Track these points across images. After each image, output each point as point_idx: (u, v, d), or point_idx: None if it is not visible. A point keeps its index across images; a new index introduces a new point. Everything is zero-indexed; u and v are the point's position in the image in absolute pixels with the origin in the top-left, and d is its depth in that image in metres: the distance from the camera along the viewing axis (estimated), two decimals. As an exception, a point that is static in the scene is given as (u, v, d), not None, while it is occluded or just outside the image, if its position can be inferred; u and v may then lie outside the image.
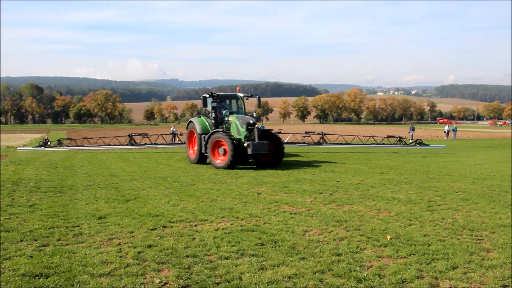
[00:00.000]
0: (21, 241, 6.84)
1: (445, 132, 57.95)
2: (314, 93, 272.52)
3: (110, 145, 32.03)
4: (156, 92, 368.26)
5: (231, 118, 18.83)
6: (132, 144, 29.70)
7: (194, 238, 6.98)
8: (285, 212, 9.01)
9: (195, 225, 7.87)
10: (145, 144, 30.32)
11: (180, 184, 13.12)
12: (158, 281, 5.18)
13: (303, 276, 5.30)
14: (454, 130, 58.14)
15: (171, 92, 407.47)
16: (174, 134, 42.35)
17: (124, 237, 7.09)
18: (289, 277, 5.27)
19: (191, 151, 20.53)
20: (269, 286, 4.99)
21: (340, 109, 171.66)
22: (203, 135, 19.04)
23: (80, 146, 31.48)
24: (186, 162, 20.61)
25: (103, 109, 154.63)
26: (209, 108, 19.72)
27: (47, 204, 9.88)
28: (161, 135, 34.20)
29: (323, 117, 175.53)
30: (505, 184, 13.11)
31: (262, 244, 6.62)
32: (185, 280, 5.20)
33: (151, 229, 7.56)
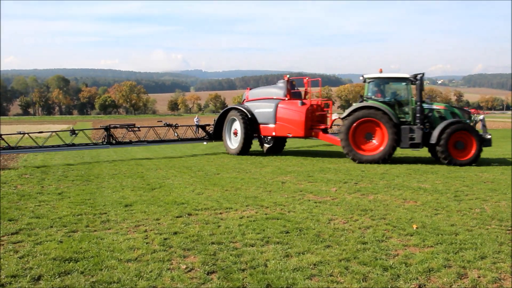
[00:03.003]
0: (51, 227, 7.00)
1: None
2: (338, 83, 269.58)
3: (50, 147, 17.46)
4: (180, 83, 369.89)
5: (440, 106, 16.10)
6: (110, 143, 18.41)
7: (219, 226, 7.03)
8: (309, 200, 8.99)
9: (220, 213, 7.93)
10: (132, 142, 19.29)
11: (205, 173, 13.21)
12: (184, 266, 5.23)
13: (328, 264, 5.29)
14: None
15: (195, 83, 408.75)
16: (198, 126, 42.42)
17: (150, 224, 7.19)
18: (315, 265, 5.26)
19: (359, 145, 16.04)
20: (295, 273, 4.99)
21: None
22: (404, 127, 15.61)
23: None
24: (211, 151, 20.63)
25: (128, 100, 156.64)
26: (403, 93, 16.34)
27: (75, 192, 10.08)
28: (152, 127, 21.10)
29: (347, 107, 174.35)
30: (535, 175, 12.81)
31: (287, 232, 6.63)
32: (211, 266, 5.24)
33: (177, 217, 7.64)
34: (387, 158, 15.69)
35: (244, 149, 18.84)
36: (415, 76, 15.77)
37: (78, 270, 5.11)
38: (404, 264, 5.28)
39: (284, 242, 6.13)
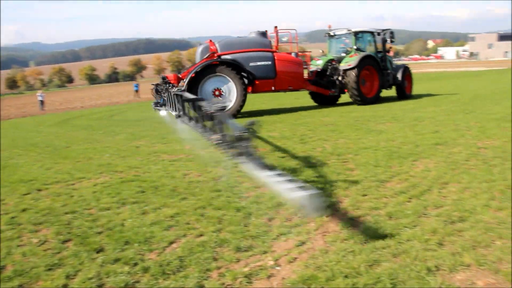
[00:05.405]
0: None
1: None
2: (188, 46, 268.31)
3: None
4: (17, 57, 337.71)
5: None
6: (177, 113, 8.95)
7: (72, 196, 6.79)
8: (164, 160, 9.05)
9: (73, 184, 7.62)
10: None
11: (53, 148, 12.46)
12: (36, 240, 5.01)
13: (185, 214, 5.48)
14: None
15: (34, 57, 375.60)
16: (42, 102, 39.91)
17: (-6, 206, 6.68)
18: (172, 216, 5.41)
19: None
20: (152, 227, 5.09)
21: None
22: (384, 72, 19.25)
23: None
24: (59, 127, 19.43)
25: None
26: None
27: None
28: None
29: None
30: (367, 115, 14.38)
31: (143, 192, 6.65)
32: (66, 235, 5.10)
33: (24, 194, 7.17)
34: (378, 98, 18.96)
35: (241, 107, 16.99)
36: (382, 30, 19.48)
37: None
38: (255, 203, 5.67)
39: (141, 201, 6.16)
